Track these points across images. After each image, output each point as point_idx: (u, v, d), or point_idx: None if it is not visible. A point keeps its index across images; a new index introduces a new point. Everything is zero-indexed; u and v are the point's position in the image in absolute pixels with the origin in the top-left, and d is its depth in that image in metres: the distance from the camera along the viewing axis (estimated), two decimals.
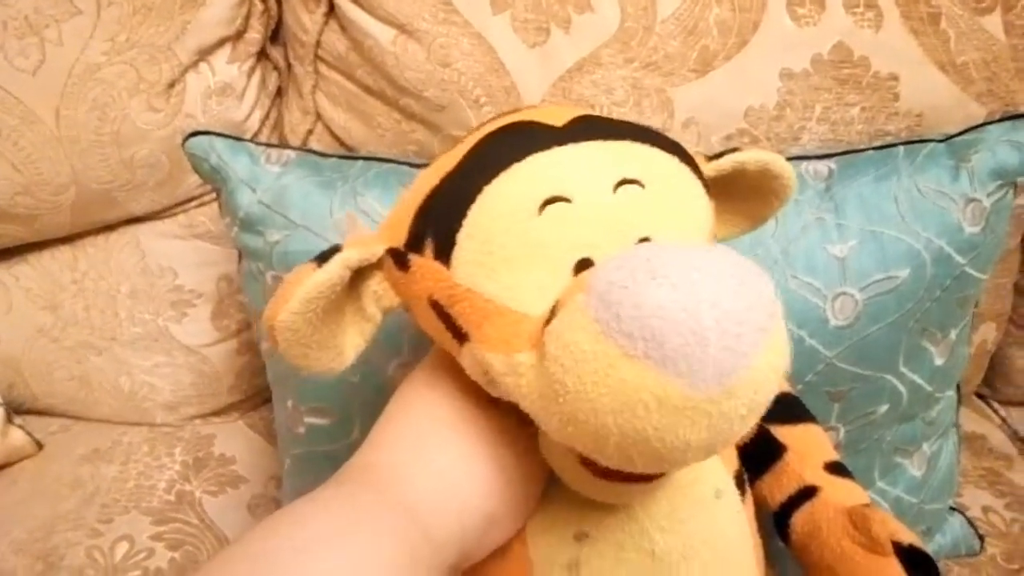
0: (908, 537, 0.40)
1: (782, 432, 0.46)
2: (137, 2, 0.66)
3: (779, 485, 0.45)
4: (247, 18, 0.71)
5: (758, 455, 0.45)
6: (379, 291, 0.36)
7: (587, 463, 0.34)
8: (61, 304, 0.77)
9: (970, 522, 0.66)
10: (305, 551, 0.27)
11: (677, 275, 0.26)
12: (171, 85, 0.69)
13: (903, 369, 0.56)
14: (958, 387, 0.63)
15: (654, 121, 0.63)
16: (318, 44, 0.69)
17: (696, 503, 0.39)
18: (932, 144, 0.58)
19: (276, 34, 0.75)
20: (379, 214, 0.57)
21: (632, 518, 0.37)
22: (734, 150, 0.39)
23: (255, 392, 0.82)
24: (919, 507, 0.62)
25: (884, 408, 0.57)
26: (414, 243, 0.34)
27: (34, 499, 0.71)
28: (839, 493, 0.44)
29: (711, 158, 0.39)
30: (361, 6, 0.64)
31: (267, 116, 0.75)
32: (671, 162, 0.36)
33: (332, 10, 0.67)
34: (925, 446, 0.62)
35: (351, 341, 0.37)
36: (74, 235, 0.77)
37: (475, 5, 0.62)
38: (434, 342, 0.38)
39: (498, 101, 0.63)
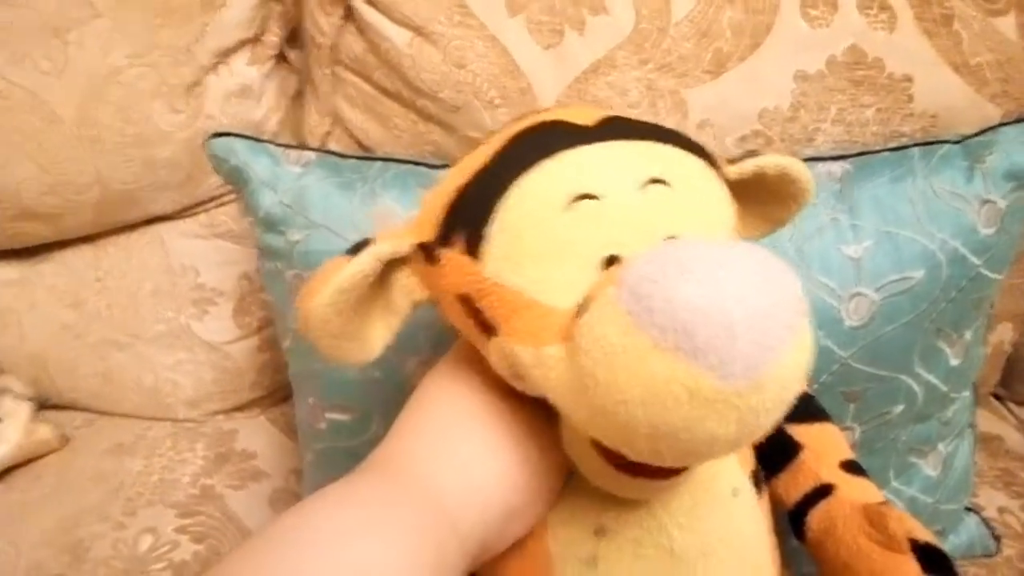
0: (924, 535, 0.40)
1: (798, 431, 0.46)
2: (158, 5, 0.67)
3: (795, 483, 0.46)
4: (266, 21, 0.72)
5: (774, 454, 0.46)
6: (408, 285, 0.37)
7: (610, 458, 0.34)
8: (84, 301, 0.79)
9: (986, 522, 0.66)
10: (334, 541, 0.27)
11: (707, 270, 0.27)
12: (192, 87, 0.70)
13: (918, 369, 0.56)
14: (974, 387, 0.63)
15: (668, 123, 0.62)
16: (336, 46, 0.70)
17: (714, 501, 0.39)
18: (947, 145, 0.58)
19: (294, 36, 0.76)
20: (397, 215, 0.57)
21: (651, 514, 0.38)
22: (754, 154, 0.40)
23: (276, 388, 0.83)
24: (934, 507, 0.62)
25: (899, 408, 0.57)
26: (444, 238, 0.35)
27: (60, 492, 0.73)
28: (855, 491, 0.44)
29: (731, 161, 0.40)
30: (378, 9, 0.65)
31: (286, 118, 0.76)
32: (696, 163, 0.36)
33: (350, 13, 0.68)
34: (940, 446, 0.62)
35: (379, 334, 0.37)
36: (97, 234, 0.78)
37: (490, 7, 0.63)
38: (458, 337, 0.39)
39: (513, 102, 0.64)
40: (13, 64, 0.67)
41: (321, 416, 0.60)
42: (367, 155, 0.67)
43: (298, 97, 0.78)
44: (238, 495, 0.73)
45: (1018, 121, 0.58)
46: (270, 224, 0.58)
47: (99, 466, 0.75)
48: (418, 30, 0.64)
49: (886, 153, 0.59)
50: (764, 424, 0.28)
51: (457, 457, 0.34)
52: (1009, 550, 0.66)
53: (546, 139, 0.35)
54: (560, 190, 0.33)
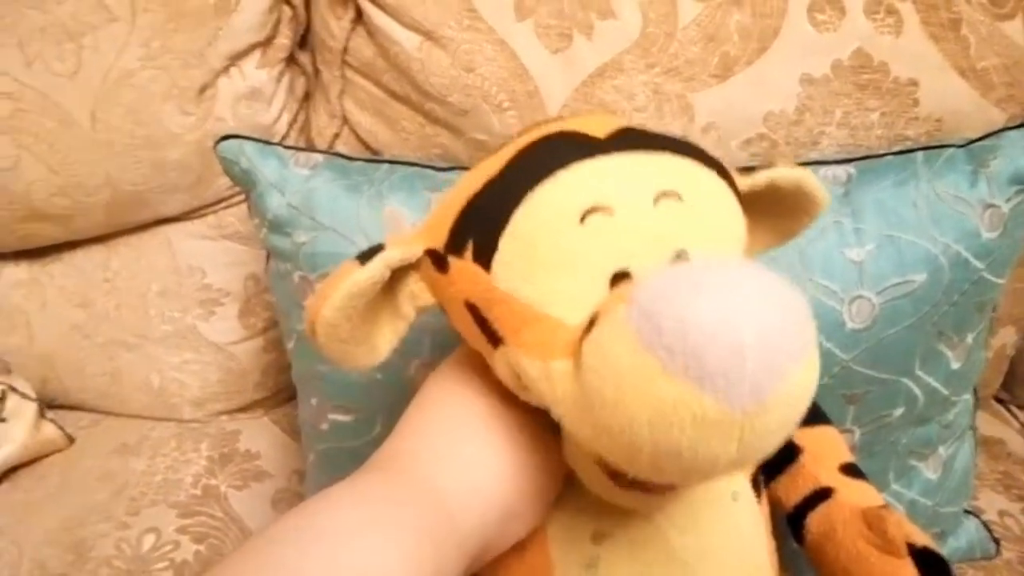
0: (923, 539, 0.40)
1: (798, 434, 0.46)
2: (171, 9, 0.67)
3: (794, 486, 0.46)
4: (277, 24, 0.73)
5: (773, 457, 0.46)
6: (416, 290, 0.37)
7: (611, 472, 0.34)
8: (93, 302, 0.79)
9: (986, 525, 0.66)
10: (336, 541, 0.27)
11: (720, 292, 0.27)
12: (203, 90, 0.71)
13: (919, 372, 0.56)
14: (975, 391, 0.63)
15: (674, 126, 0.63)
16: (345, 50, 0.71)
17: (714, 505, 0.39)
18: (951, 149, 0.58)
19: (304, 40, 0.77)
20: (407, 218, 0.58)
21: (650, 519, 0.38)
22: (769, 166, 0.40)
23: (280, 389, 0.83)
24: (934, 510, 0.62)
25: (900, 411, 0.57)
26: (454, 245, 0.35)
27: (65, 491, 0.73)
28: (854, 495, 0.44)
29: (744, 171, 0.40)
30: (388, 13, 0.65)
31: (295, 120, 0.77)
32: (709, 176, 0.36)
33: (359, 17, 0.68)
34: (941, 449, 0.62)
35: (385, 338, 0.38)
36: (107, 235, 0.78)
37: (499, 12, 0.63)
38: (462, 341, 0.39)
39: (521, 106, 0.64)
40: (26, 66, 0.67)
41: (324, 417, 0.60)
42: (374, 158, 0.67)
43: (307, 100, 0.78)
44: (240, 495, 0.73)
45: (1022, 126, 0.58)
46: (277, 226, 0.59)
47: (103, 466, 0.75)
48: (427, 34, 0.64)
49: (890, 157, 0.59)
50: (767, 447, 0.28)
51: (459, 458, 0.34)
52: (1009, 553, 0.66)
53: (560, 150, 0.35)
54: (573, 203, 0.33)
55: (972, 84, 0.62)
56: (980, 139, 0.58)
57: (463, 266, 0.35)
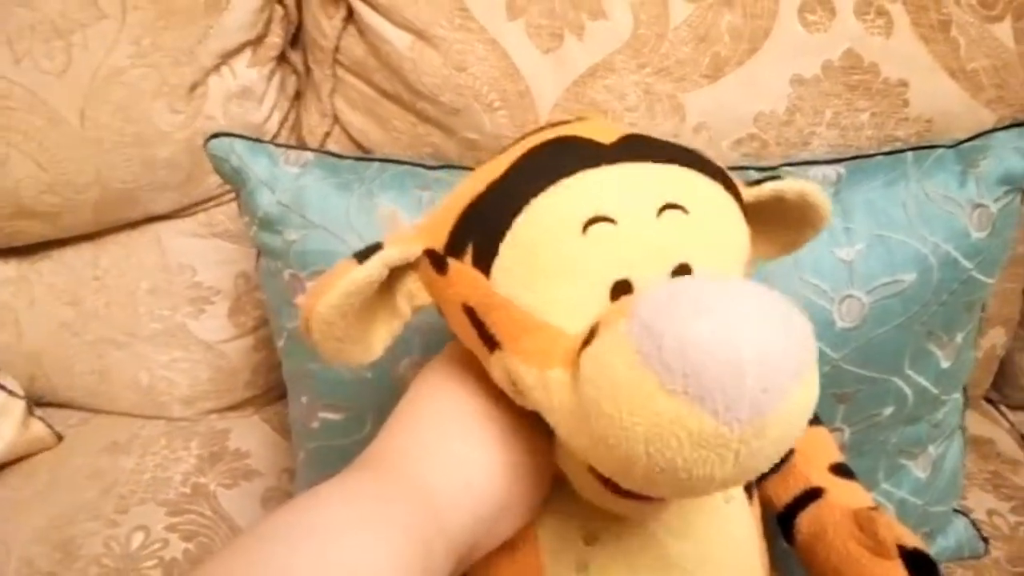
0: (913, 541, 0.40)
1: None
2: (161, 7, 0.67)
3: (785, 486, 0.46)
4: (268, 23, 0.72)
5: None
6: (413, 290, 0.37)
7: (603, 480, 0.34)
8: (83, 299, 0.79)
9: (974, 524, 0.66)
10: (325, 538, 0.27)
11: (722, 311, 0.27)
12: (193, 88, 0.71)
13: (909, 371, 0.57)
14: (964, 390, 0.64)
15: (665, 126, 0.63)
16: (337, 49, 0.71)
17: (706, 507, 0.39)
18: (941, 150, 0.58)
19: (296, 39, 0.77)
20: (403, 217, 0.57)
21: (641, 522, 0.38)
22: (774, 178, 0.40)
23: (270, 388, 0.83)
24: (923, 509, 0.63)
25: (889, 410, 0.58)
26: (454, 247, 0.35)
27: (53, 490, 0.73)
28: (844, 495, 0.45)
29: (751, 184, 0.40)
30: (379, 12, 0.65)
31: (286, 119, 0.77)
32: (714, 188, 0.36)
33: (351, 16, 0.68)
34: (930, 448, 0.62)
35: (380, 336, 0.37)
36: (97, 232, 0.78)
37: (490, 12, 0.63)
38: (453, 339, 0.38)
39: (512, 105, 0.64)
40: (14, 63, 0.67)
41: (314, 415, 0.60)
42: (365, 156, 0.67)
43: (298, 98, 0.78)
44: (230, 494, 0.73)
45: (1012, 126, 0.58)
46: (267, 224, 0.59)
47: (92, 464, 0.75)
48: (419, 33, 0.64)
49: (880, 157, 0.59)
50: (763, 465, 0.28)
51: (448, 456, 0.34)
52: (997, 552, 0.66)
53: (564, 156, 0.35)
54: (576, 211, 0.33)
55: (962, 85, 0.62)
56: (969, 140, 0.59)
57: (462, 269, 0.35)
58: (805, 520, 0.44)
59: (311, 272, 0.57)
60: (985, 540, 0.66)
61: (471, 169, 0.41)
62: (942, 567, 0.40)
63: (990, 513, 0.70)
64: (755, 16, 0.62)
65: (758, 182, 0.40)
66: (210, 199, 0.77)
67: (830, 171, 0.59)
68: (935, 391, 0.59)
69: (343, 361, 0.36)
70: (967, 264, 0.55)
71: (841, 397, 0.56)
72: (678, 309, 0.27)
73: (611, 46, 0.63)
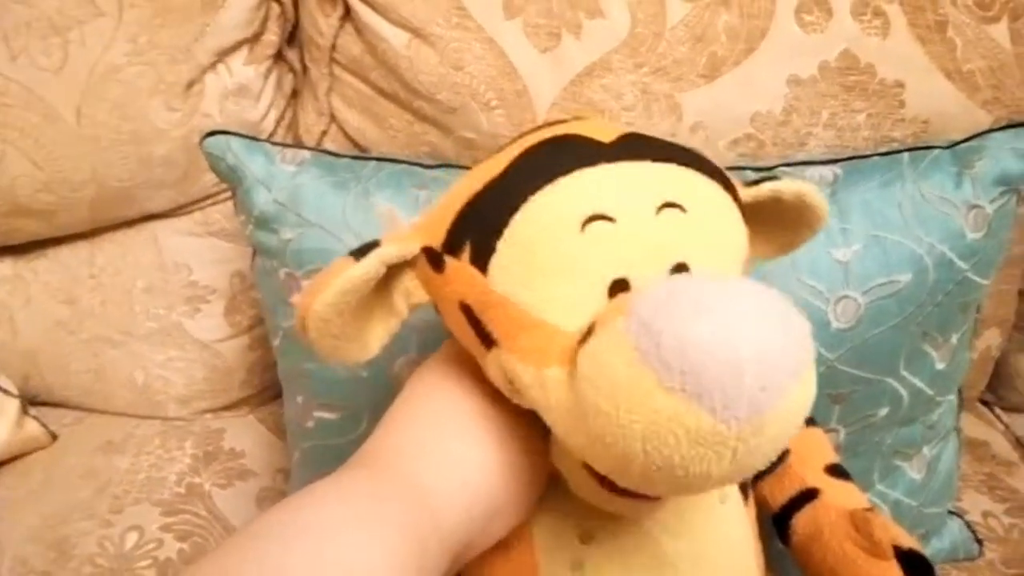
0: (908, 542, 0.40)
1: None
2: (158, 5, 0.67)
3: (780, 487, 0.46)
4: (264, 21, 0.72)
5: None
6: (410, 288, 0.37)
7: (599, 478, 0.34)
8: (78, 298, 0.79)
9: (969, 526, 0.67)
10: (319, 536, 0.27)
11: (721, 310, 0.27)
12: (190, 86, 0.70)
13: (904, 372, 0.57)
14: (959, 392, 0.64)
15: (662, 125, 0.63)
16: (333, 47, 0.70)
17: (702, 508, 0.39)
18: (937, 151, 0.58)
19: (292, 37, 0.76)
20: (401, 215, 0.57)
21: (638, 522, 0.38)
22: (772, 178, 0.40)
23: (266, 387, 0.83)
24: (918, 510, 0.63)
25: (884, 411, 0.58)
26: (451, 245, 0.35)
27: (48, 489, 0.72)
28: (839, 496, 0.45)
29: (749, 184, 0.40)
30: (376, 10, 0.65)
31: (282, 117, 0.77)
32: (713, 188, 0.36)
33: (348, 14, 0.68)
34: (925, 449, 0.62)
35: (377, 334, 0.37)
36: (92, 231, 0.78)
37: (488, 10, 0.63)
38: (449, 337, 0.38)
39: (509, 104, 0.64)
40: (11, 60, 0.67)
41: (309, 414, 0.60)
42: (361, 154, 0.67)
43: (295, 97, 0.78)
44: (225, 494, 0.72)
45: (1008, 127, 0.58)
46: (263, 222, 0.59)
47: (87, 463, 0.75)
48: (416, 32, 0.64)
49: (876, 158, 0.59)
50: (759, 463, 0.28)
51: (443, 454, 0.34)
52: (992, 554, 0.66)
53: (563, 154, 0.35)
54: (575, 210, 0.33)
55: (958, 86, 0.62)
56: (965, 140, 0.59)
57: (459, 267, 0.34)
58: (801, 521, 0.45)
59: (307, 271, 0.57)
60: (980, 542, 0.66)
61: (468, 168, 0.41)
62: (939, 568, 0.40)
63: (985, 515, 0.70)
64: (752, 16, 0.62)
65: (756, 182, 0.40)
66: (206, 197, 0.77)
67: (826, 171, 0.59)
68: (930, 392, 0.59)
69: (339, 359, 0.36)
70: (962, 265, 0.55)
71: (836, 398, 0.56)
72: (677, 307, 0.27)
73: (608, 45, 0.63)
